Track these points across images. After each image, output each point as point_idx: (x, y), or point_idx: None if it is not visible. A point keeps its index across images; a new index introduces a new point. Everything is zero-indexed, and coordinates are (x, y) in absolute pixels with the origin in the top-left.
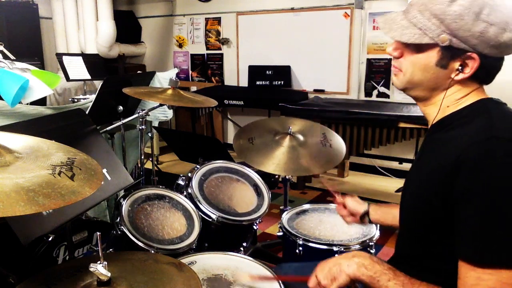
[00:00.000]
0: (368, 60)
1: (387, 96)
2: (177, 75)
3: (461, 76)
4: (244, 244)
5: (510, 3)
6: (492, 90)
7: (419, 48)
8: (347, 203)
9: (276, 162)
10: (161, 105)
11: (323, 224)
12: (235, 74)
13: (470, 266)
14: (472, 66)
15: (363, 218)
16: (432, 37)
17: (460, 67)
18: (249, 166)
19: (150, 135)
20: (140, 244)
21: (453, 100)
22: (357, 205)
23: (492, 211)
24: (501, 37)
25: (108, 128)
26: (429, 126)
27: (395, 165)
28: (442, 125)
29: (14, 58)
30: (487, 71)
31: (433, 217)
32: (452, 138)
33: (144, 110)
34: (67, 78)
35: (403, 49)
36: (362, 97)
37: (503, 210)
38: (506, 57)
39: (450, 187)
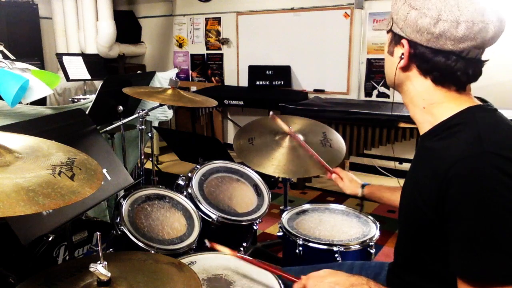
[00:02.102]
0: (368, 60)
1: (387, 96)
2: (177, 75)
3: (401, 63)
4: (244, 244)
5: None
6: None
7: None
8: (343, 189)
9: (275, 163)
10: (161, 105)
11: (323, 224)
12: (235, 74)
13: (469, 285)
14: (405, 52)
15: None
16: (386, 24)
17: (402, 55)
18: (249, 166)
19: (150, 135)
20: (140, 244)
21: (423, 101)
22: (353, 190)
23: (484, 228)
24: (420, 22)
25: (108, 128)
26: (420, 132)
27: (395, 165)
28: (432, 134)
29: (14, 58)
30: (428, 63)
31: (426, 223)
32: (442, 149)
33: (144, 110)
34: (67, 78)
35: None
36: (362, 97)
37: (496, 227)
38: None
39: (441, 199)
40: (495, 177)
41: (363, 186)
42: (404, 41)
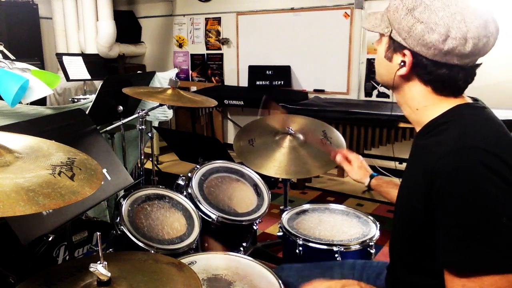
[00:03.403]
0: (368, 60)
1: (387, 96)
2: (177, 75)
3: (402, 71)
4: (244, 244)
5: (453, 10)
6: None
7: (380, 39)
8: (350, 175)
9: (277, 164)
10: (161, 105)
11: (323, 224)
12: (235, 74)
13: (454, 276)
14: (407, 62)
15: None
16: (383, 28)
17: (402, 63)
18: (249, 166)
19: (150, 135)
20: (140, 244)
21: (418, 103)
22: (360, 177)
23: (468, 220)
24: (427, 37)
25: (108, 128)
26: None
27: (395, 165)
28: (424, 132)
29: (14, 58)
30: (431, 75)
31: (420, 222)
32: (431, 146)
33: (144, 110)
34: (67, 78)
35: (377, 44)
36: (362, 97)
37: (479, 219)
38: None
39: (429, 195)
40: (478, 171)
41: (372, 176)
42: (407, 52)
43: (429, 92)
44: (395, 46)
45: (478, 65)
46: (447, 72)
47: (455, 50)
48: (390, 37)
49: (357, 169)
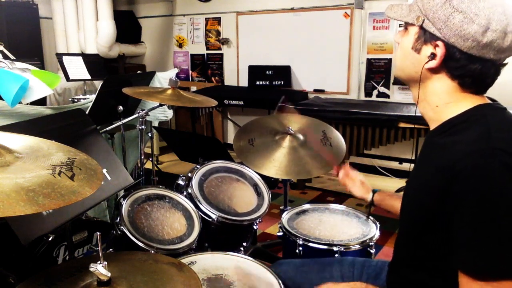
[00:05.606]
0: (368, 60)
1: (387, 96)
2: (177, 75)
3: (431, 64)
4: (244, 244)
5: (493, 1)
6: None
7: (406, 30)
8: (352, 192)
9: (277, 165)
10: (161, 105)
11: (323, 224)
12: (235, 74)
13: (471, 279)
14: (439, 54)
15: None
16: (413, 17)
17: (431, 55)
18: (249, 166)
19: (150, 135)
20: (140, 244)
21: (439, 100)
22: (363, 194)
23: (488, 222)
24: (466, 27)
25: (108, 128)
26: (429, 128)
27: (395, 165)
28: (440, 130)
29: (14, 58)
30: (463, 69)
31: (429, 220)
32: (450, 144)
33: (144, 110)
34: (67, 78)
35: (402, 35)
36: (362, 97)
37: (500, 221)
38: None
39: (446, 194)
40: (501, 174)
41: (374, 191)
42: (440, 43)
43: (454, 88)
44: (426, 37)
45: (505, 63)
46: (479, 67)
47: (494, 44)
48: (421, 27)
49: (359, 186)
